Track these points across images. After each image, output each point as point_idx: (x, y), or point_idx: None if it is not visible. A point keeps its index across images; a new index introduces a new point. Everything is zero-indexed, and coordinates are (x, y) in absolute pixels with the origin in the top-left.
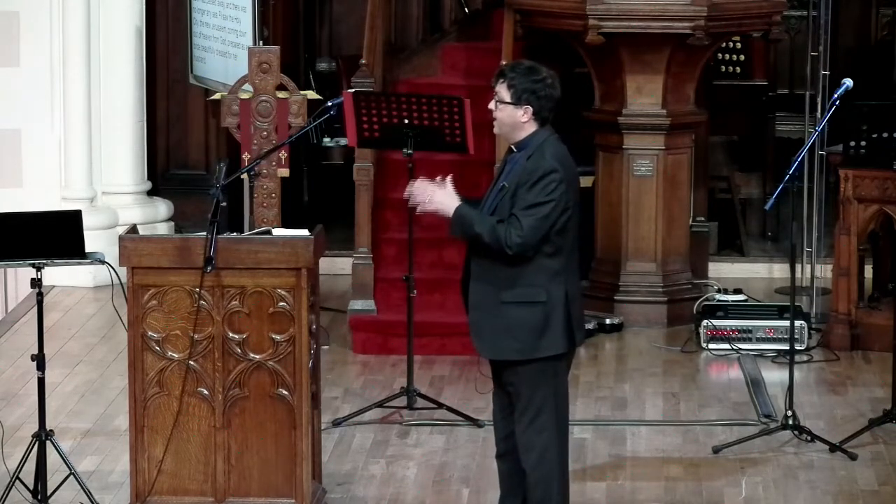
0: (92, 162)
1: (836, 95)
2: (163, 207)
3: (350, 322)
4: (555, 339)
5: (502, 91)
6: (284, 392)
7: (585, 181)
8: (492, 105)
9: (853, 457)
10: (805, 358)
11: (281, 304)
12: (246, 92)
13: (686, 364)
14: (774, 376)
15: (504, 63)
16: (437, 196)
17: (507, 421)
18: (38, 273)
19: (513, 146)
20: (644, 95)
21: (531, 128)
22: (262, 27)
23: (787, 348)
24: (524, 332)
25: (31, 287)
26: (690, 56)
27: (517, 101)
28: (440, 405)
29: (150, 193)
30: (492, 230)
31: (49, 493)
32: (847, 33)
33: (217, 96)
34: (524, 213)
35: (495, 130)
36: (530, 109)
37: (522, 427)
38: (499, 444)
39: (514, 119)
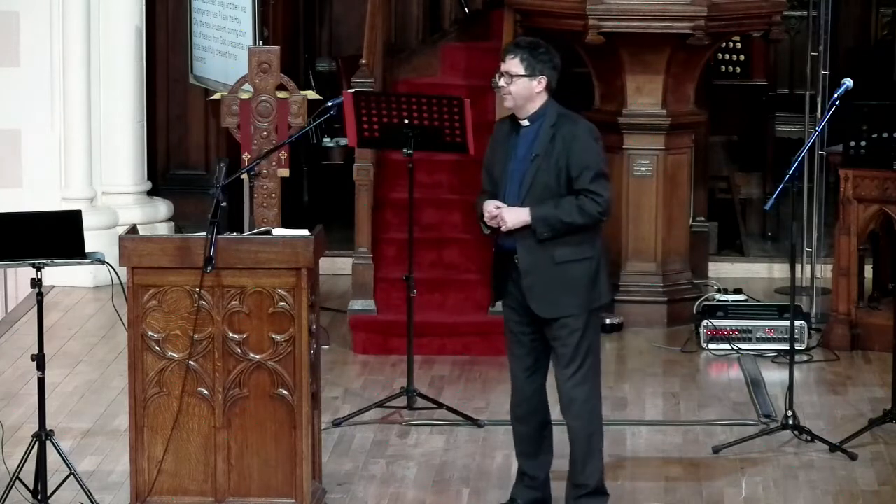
0: (92, 162)
1: (836, 95)
2: (163, 207)
3: (350, 322)
4: (602, 290)
5: (514, 65)
6: (284, 392)
7: None
8: (502, 81)
9: (853, 457)
10: (805, 358)
11: (281, 304)
12: (246, 92)
13: (686, 364)
14: (774, 376)
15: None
16: (507, 217)
17: (531, 381)
18: (38, 273)
19: (523, 119)
20: (644, 95)
21: (542, 98)
22: (262, 27)
23: (787, 348)
24: (580, 287)
25: (31, 287)
26: (690, 56)
27: (532, 74)
28: (440, 405)
29: (150, 193)
30: (580, 211)
31: (49, 493)
32: (847, 33)
33: (217, 96)
34: (593, 175)
35: (508, 104)
36: (545, 80)
37: (565, 379)
38: (520, 405)
39: (529, 91)
